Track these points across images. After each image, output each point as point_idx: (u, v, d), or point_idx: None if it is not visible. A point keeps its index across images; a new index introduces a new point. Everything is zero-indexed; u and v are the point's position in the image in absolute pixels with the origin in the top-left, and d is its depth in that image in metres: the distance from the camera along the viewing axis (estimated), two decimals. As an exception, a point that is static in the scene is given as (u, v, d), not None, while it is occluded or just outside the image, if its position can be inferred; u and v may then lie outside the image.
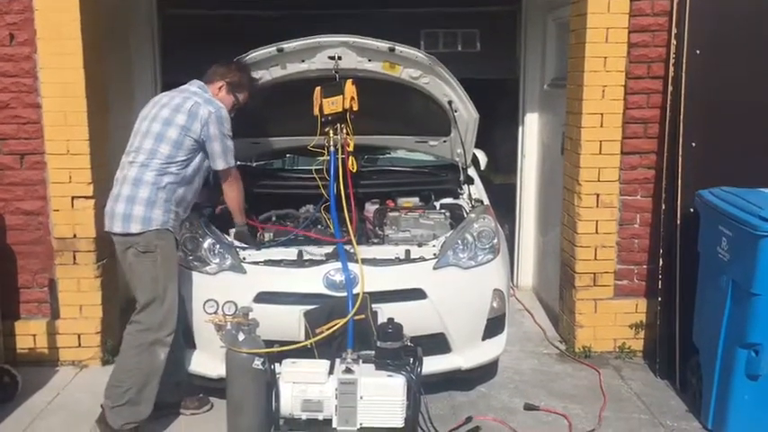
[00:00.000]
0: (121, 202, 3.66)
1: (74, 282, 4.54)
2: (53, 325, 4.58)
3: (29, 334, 4.57)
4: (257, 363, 3.41)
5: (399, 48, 4.16)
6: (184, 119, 3.70)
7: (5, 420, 3.93)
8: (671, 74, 4.44)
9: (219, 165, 3.81)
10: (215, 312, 3.58)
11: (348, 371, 3.37)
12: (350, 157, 4.16)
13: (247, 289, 3.79)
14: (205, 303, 3.67)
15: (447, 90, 4.46)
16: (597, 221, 4.67)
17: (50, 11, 4.28)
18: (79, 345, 4.59)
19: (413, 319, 3.67)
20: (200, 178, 3.88)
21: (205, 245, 3.99)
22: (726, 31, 4.40)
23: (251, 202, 4.35)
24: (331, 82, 4.14)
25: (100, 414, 3.72)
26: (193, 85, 3.90)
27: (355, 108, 4.07)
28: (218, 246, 3.98)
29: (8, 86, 4.38)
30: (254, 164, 5.17)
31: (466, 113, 4.60)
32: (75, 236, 4.48)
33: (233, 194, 3.97)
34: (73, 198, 4.45)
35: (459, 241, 4.07)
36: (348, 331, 3.60)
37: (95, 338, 4.59)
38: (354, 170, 4.21)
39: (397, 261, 4.00)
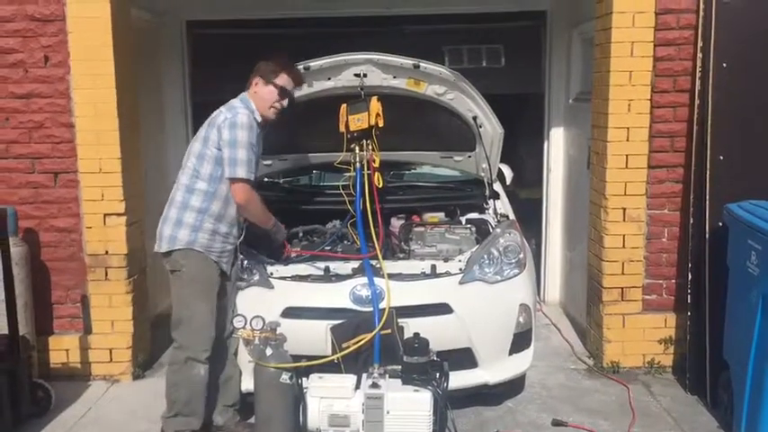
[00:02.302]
0: (160, 223, 3.75)
1: (105, 297, 4.61)
2: (85, 340, 4.66)
3: (62, 349, 4.65)
4: (285, 377, 3.44)
5: (424, 64, 4.19)
6: (206, 129, 3.69)
7: (39, 434, 4.01)
8: (697, 87, 4.41)
9: (226, 173, 3.62)
10: (243, 327, 3.61)
11: (375, 385, 3.38)
12: (375, 173, 4.20)
13: (275, 304, 3.83)
14: (233, 318, 3.71)
15: (471, 105, 4.48)
16: (624, 236, 4.65)
17: (84, 33, 4.39)
18: (111, 359, 4.66)
19: (439, 333, 3.67)
20: None
21: (233, 260, 4.04)
22: (753, 44, 4.37)
23: (278, 218, 4.39)
24: (356, 99, 4.19)
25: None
26: (236, 99, 3.79)
27: (381, 124, 4.10)
28: (246, 261, 4.02)
29: (43, 107, 4.49)
30: (282, 180, 5.23)
31: (491, 128, 4.61)
32: (107, 252, 4.56)
33: (248, 213, 3.76)
34: (105, 215, 4.53)
35: (485, 256, 4.08)
36: (374, 346, 3.62)
37: (126, 353, 4.66)
38: (380, 186, 4.24)
39: (423, 276, 4.02)
